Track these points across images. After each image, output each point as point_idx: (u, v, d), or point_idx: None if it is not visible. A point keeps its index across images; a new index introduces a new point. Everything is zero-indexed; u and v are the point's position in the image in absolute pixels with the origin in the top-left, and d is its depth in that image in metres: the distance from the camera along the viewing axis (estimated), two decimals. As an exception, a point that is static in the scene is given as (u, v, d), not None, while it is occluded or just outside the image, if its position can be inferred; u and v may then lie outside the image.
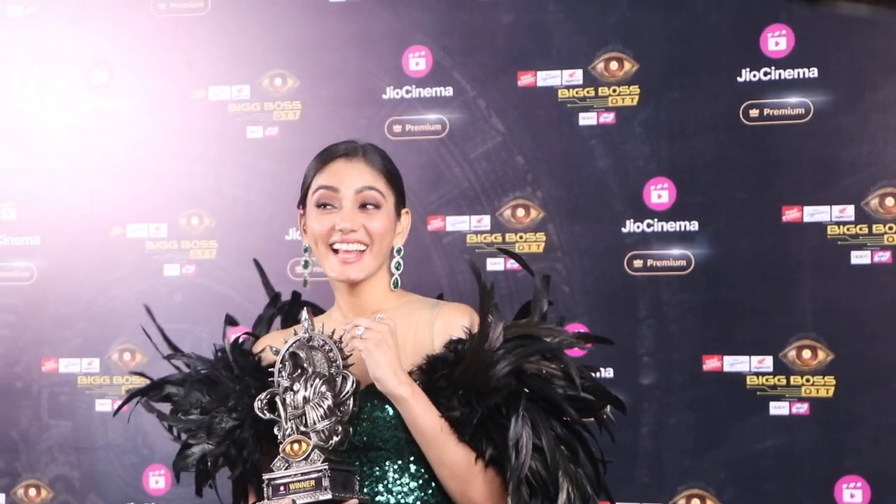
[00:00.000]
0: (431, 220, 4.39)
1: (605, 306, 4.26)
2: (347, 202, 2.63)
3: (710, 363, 4.17)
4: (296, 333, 2.55)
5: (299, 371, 2.52)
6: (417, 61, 4.45)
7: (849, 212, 4.10)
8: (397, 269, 2.69)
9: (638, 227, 4.25)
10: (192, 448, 2.68)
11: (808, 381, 4.11)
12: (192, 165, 4.59)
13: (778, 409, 4.12)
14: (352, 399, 2.49)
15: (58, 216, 4.65)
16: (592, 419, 2.61)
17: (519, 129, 4.36)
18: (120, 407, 2.87)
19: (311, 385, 2.49)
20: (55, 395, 4.68)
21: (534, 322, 2.65)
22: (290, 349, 2.52)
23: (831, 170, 4.13)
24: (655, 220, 4.24)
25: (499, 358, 2.54)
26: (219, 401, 2.66)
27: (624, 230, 4.26)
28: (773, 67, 4.18)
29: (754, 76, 4.19)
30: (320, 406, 2.48)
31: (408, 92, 4.45)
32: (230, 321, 2.89)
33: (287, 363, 2.52)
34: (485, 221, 4.37)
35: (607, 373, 4.21)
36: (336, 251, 2.63)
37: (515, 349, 2.56)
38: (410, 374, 2.56)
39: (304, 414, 2.48)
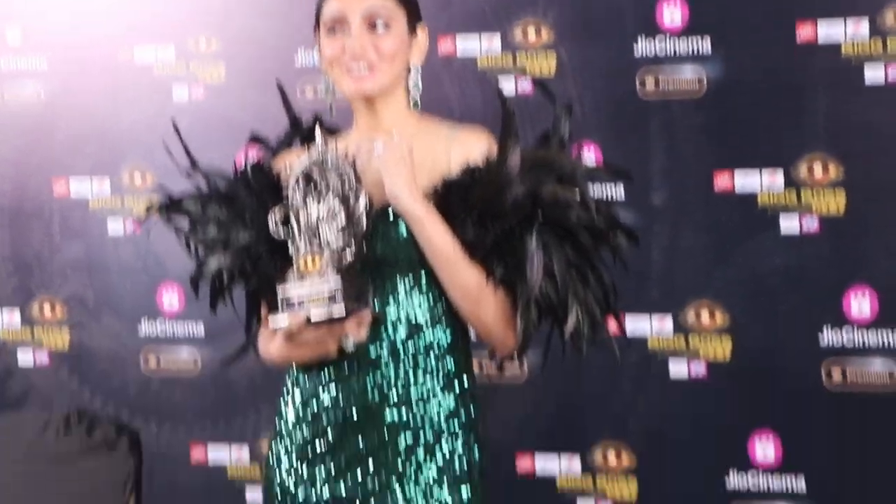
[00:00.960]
0: (441, 41, 4.31)
1: (616, 126, 4.21)
2: (356, 24, 2.58)
3: (721, 180, 4.12)
4: (309, 151, 2.50)
5: (313, 187, 2.48)
6: None
7: (863, 29, 4.02)
8: (415, 87, 2.64)
9: (650, 47, 4.18)
10: (208, 262, 2.65)
11: (818, 194, 4.07)
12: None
13: (789, 225, 4.09)
14: (365, 217, 2.46)
15: (65, 39, 4.59)
16: (605, 246, 2.58)
17: (529, -53, 4.28)
18: (142, 221, 2.85)
19: (325, 202, 2.46)
20: (67, 217, 4.66)
21: (552, 150, 2.61)
22: (304, 168, 2.49)
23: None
24: (667, 36, 4.17)
25: (515, 182, 2.51)
26: (236, 215, 2.63)
27: (636, 49, 4.18)
28: None
29: None
30: (334, 223, 2.45)
31: None
32: (254, 139, 2.85)
33: (300, 182, 2.49)
34: (495, 42, 4.30)
35: (618, 192, 4.17)
36: (349, 71, 2.59)
37: (532, 174, 2.52)
38: (425, 195, 2.52)
39: (318, 230, 2.46)
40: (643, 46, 4.18)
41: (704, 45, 4.14)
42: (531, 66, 4.27)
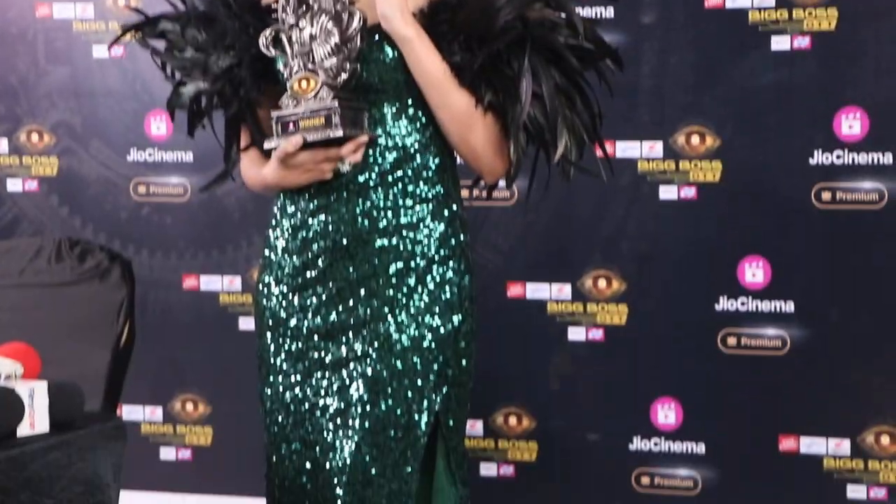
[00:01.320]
0: None
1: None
2: None
3: (714, -1, 4.08)
4: None
5: (304, 7, 2.42)
6: None
7: None
8: None
9: None
10: (185, 86, 2.60)
11: (810, 13, 4.01)
12: None
13: (779, 43, 4.04)
14: (358, 36, 2.41)
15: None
16: (591, 68, 2.54)
17: None
18: (114, 42, 2.79)
19: (318, 22, 2.40)
20: (51, 41, 4.59)
21: None
22: None
23: None
24: None
25: (502, 4, 2.46)
26: (215, 38, 2.57)
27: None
28: None
29: None
30: (327, 43, 2.40)
31: None
32: None
33: (292, 1, 2.43)
34: None
35: (608, 12, 4.12)
36: None
37: None
38: (413, 16, 2.47)
39: (311, 51, 2.40)
40: None
41: None
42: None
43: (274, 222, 2.59)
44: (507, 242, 4.25)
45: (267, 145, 2.44)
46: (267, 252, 2.60)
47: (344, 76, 2.40)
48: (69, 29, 4.56)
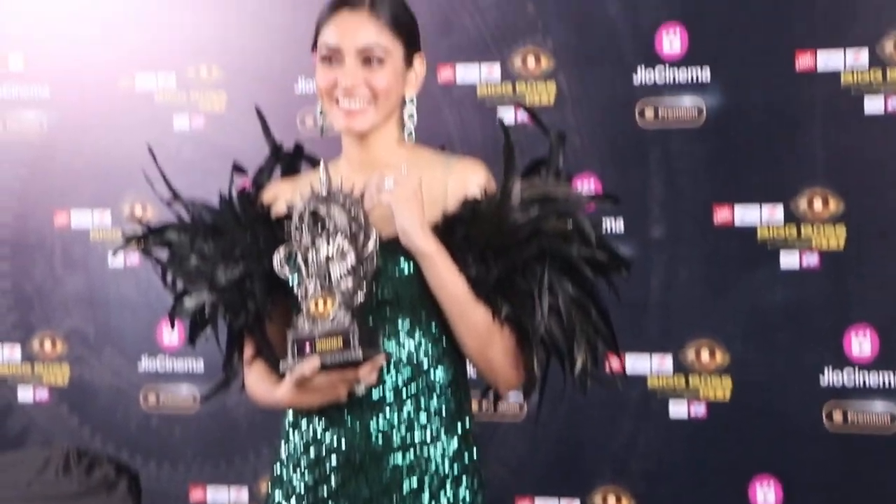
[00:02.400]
0: (441, 69, 4.24)
1: (615, 157, 4.15)
2: (350, 58, 2.48)
3: (721, 215, 4.06)
4: (313, 188, 2.42)
5: (320, 227, 2.39)
6: None
7: (863, 57, 3.95)
8: (410, 119, 2.55)
9: (649, 76, 4.11)
10: (189, 296, 2.56)
11: (819, 231, 4.01)
12: (199, 14, 4.45)
13: (788, 260, 4.03)
14: (375, 256, 2.37)
15: (66, 66, 4.53)
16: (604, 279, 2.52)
17: (529, -25, 4.21)
18: (117, 250, 2.76)
19: (334, 242, 2.37)
20: (68, 250, 4.59)
21: (550, 181, 2.53)
22: (311, 205, 2.39)
23: (846, 13, 3.97)
24: (667, 66, 4.10)
25: (517, 218, 2.44)
26: (224, 250, 2.54)
27: (635, 79, 4.12)
28: None
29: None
30: (343, 263, 2.35)
31: (418, -63, 4.28)
32: (237, 169, 2.78)
33: (307, 219, 2.39)
34: (495, 71, 4.23)
35: (618, 225, 4.12)
36: (341, 104, 2.50)
37: (533, 209, 2.45)
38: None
39: (328, 272, 2.36)
40: (642, 76, 4.11)
41: (703, 74, 4.07)
42: (530, 94, 4.21)
43: (284, 436, 2.52)
44: (516, 456, 4.20)
45: (282, 367, 2.37)
46: (277, 467, 2.53)
47: (360, 297, 2.36)
48: (86, 238, 4.57)
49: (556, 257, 2.46)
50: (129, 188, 4.51)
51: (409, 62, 2.54)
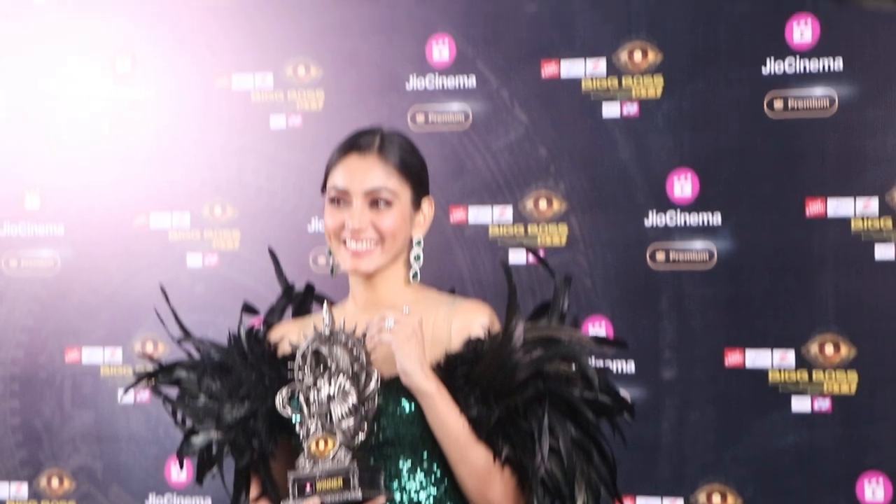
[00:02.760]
0: (454, 210, 4.25)
1: (626, 299, 4.13)
2: (357, 201, 2.50)
3: (732, 358, 4.03)
4: (315, 329, 2.42)
5: (322, 368, 2.39)
6: (441, 50, 4.30)
7: (873, 205, 3.95)
8: (416, 260, 2.57)
9: (661, 220, 4.11)
10: (197, 435, 2.56)
11: (830, 376, 3.97)
12: (214, 155, 4.47)
13: (800, 405, 3.98)
14: (376, 396, 2.37)
15: (81, 205, 4.54)
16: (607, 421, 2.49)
17: (542, 120, 4.22)
18: (128, 388, 2.75)
19: (335, 382, 2.37)
20: (78, 386, 4.56)
21: (553, 324, 2.53)
22: (313, 345, 2.39)
23: (856, 162, 3.98)
24: (678, 211, 4.10)
25: (519, 359, 2.43)
26: (230, 388, 2.54)
27: (647, 223, 4.12)
28: (797, 58, 4.02)
29: (779, 67, 4.03)
30: (345, 403, 2.36)
31: (431, 81, 4.31)
32: (248, 308, 2.77)
33: (309, 359, 2.39)
34: (507, 213, 4.23)
35: (629, 367, 4.09)
36: (348, 245, 2.52)
37: (536, 351, 2.45)
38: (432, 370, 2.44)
39: (329, 412, 2.36)
40: (654, 219, 4.11)
41: (714, 218, 4.07)
42: (542, 236, 4.20)
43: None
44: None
45: None
46: None
47: (361, 437, 2.35)
48: (97, 374, 4.54)
49: (558, 399, 2.44)
50: (141, 325, 4.50)
51: (416, 205, 2.56)
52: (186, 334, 2.66)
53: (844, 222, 3.96)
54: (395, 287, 2.56)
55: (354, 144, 2.55)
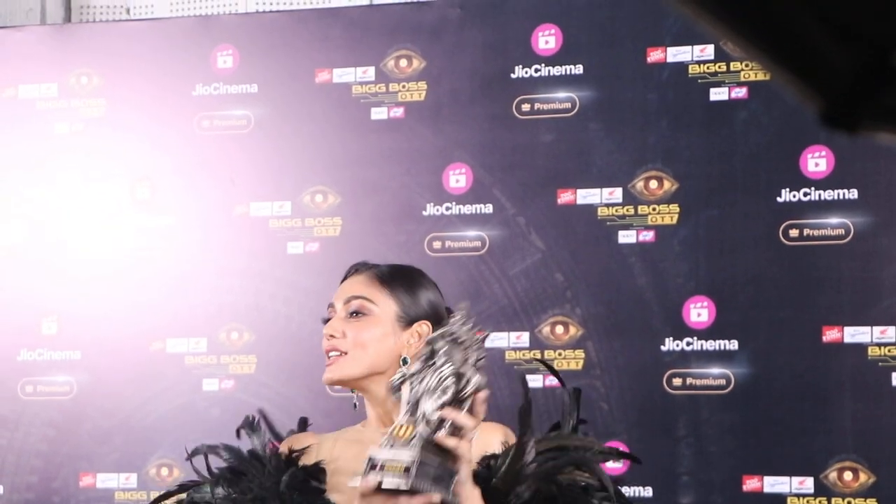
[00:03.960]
0: (470, 335, 4.22)
1: (644, 424, 4.08)
2: (339, 311, 2.51)
3: (751, 483, 3.97)
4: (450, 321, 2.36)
5: (433, 360, 2.33)
6: (458, 178, 4.30)
7: (889, 333, 3.93)
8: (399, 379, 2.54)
9: (677, 346, 4.08)
10: None
11: (849, 503, 3.91)
12: (232, 280, 4.44)
13: (820, 530, 3.93)
14: (470, 400, 2.30)
15: (98, 331, 4.49)
16: None
17: (558, 247, 4.21)
18: None
19: (438, 375, 2.31)
20: (91, 509, 4.49)
21: (564, 434, 2.49)
22: (432, 337, 2.35)
23: (872, 290, 3.97)
24: (695, 338, 4.07)
25: (532, 470, 2.39)
26: (241, 492, 2.48)
27: (663, 348, 4.09)
28: (812, 188, 4.03)
29: (794, 196, 4.03)
30: (440, 398, 2.30)
31: (448, 209, 4.30)
32: (249, 424, 2.72)
33: (425, 349, 2.34)
34: (524, 338, 4.20)
35: (646, 492, 4.02)
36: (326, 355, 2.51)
37: (548, 462, 2.41)
38: None
39: (420, 401, 2.31)
40: (670, 345, 4.09)
41: (731, 344, 4.05)
42: (559, 361, 4.16)
43: None
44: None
45: (350, 483, 2.34)
46: None
47: (443, 433, 2.29)
48: (111, 499, 4.39)
49: None
50: (156, 450, 4.42)
51: (407, 324, 2.53)
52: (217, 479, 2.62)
53: (861, 349, 3.93)
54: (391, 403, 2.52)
55: (355, 267, 2.58)
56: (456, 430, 2.30)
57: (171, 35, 4.54)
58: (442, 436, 2.30)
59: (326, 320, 2.53)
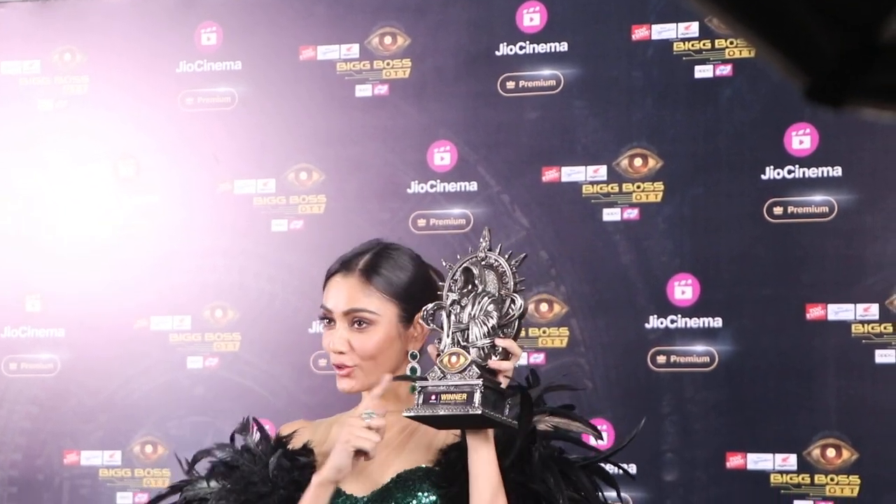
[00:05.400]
0: (455, 314, 4.22)
1: (628, 402, 4.08)
2: (339, 321, 2.49)
3: (734, 460, 3.98)
4: (472, 249, 2.40)
5: (470, 287, 2.36)
6: (442, 156, 4.29)
7: (873, 310, 3.93)
8: (412, 373, 2.51)
9: (662, 323, 4.07)
10: None
11: (832, 480, 3.92)
12: (216, 258, 4.42)
13: (803, 506, 3.93)
14: (517, 322, 2.34)
15: (82, 309, 4.47)
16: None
17: (543, 224, 4.19)
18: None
19: (479, 302, 2.34)
20: (76, 488, 4.44)
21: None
22: (465, 264, 2.39)
23: (856, 268, 3.98)
24: (679, 316, 4.07)
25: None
26: (234, 482, 2.49)
27: (647, 326, 4.08)
28: (796, 165, 4.03)
29: (778, 174, 4.03)
30: (485, 324, 2.32)
31: (432, 186, 4.29)
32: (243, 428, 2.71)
33: (459, 277, 2.37)
34: (508, 315, 4.20)
35: (630, 469, 4.02)
36: (338, 366, 2.51)
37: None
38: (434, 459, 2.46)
39: (468, 329, 2.32)
40: (655, 323, 4.09)
41: (715, 322, 4.05)
42: (543, 339, 4.16)
43: None
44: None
45: (405, 414, 2.35)
46: None
47: (495, 358, 2.32)
48: (95, 476, 4.43)
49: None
50: (140, 427, 4.42)
51: (408, 320, 2.52)
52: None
53: (845, 326, 3.93)
54: (398, 398, 2.53)
55: (341, 265, 2.54)
56: (505, 355, 2.32)
57: (154, 12, 4.51)
58: (495, 362, 2.30)
59: (322, 318, 2.52)
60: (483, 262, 2.38)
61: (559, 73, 4.19)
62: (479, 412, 2.27)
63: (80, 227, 4.49)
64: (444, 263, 2.46)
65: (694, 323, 4.03)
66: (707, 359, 4.01)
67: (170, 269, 4.41)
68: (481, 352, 2.32)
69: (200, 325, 4.39)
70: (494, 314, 2.33)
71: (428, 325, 2.40)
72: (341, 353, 2.47)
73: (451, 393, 2.30)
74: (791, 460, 3.92)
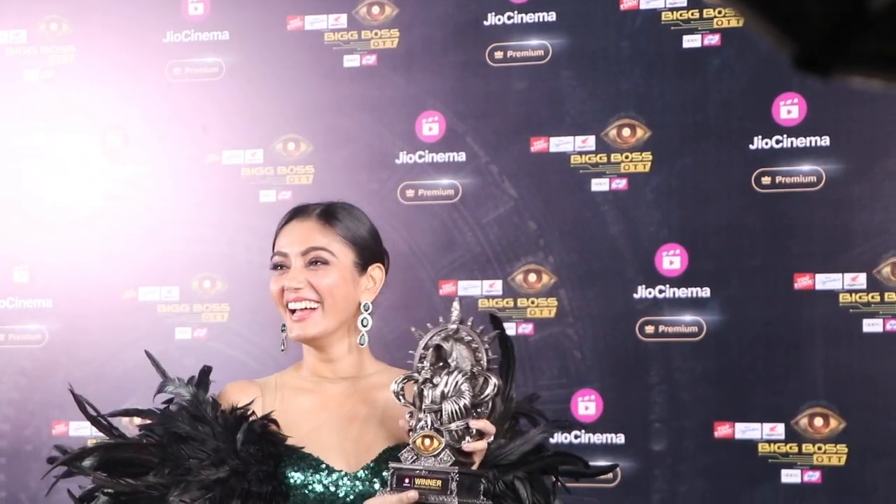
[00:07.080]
0: (443, 284, 4.20)
1: (616, 372, 4.08)
2: (296, 262, 2.49)
3: (722, 430, 3.98)
4: (441, 322, 2.34)
5: (442, 364, 2.32)
6: (430, 126, 4.28)
7: (861, 280, 3.93)
8: (364, 326, 2.50)
9: (650, 293, 4.07)
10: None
11: (819, 449, 3.92)
12: (204, 229, 4.41)
13: (790, 476, 3.94)
14: (491, 402, 2.32)
15: (70, 280, 4.45)
16: None
17: (531, 195, 4.19)
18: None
19: (452, 380, 2.30)
20: (65, 458, 4.46)
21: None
22: (436, 340, 2.33)
23: (843, 238, 3.98)
24: (667, 286, 4.07)
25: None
26: (188, 458, 2.45)
27: (636, 296, 4.08)
28: (785, 135, 4.02)
29: (766, 143, 4.02)
30: (457, 403, 2.29)
31: (420, 157, 4.28)
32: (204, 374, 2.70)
33: (430, 353, 2.32)
34: (497, 286, 4.19)
35: (618, 439, 4.03)
36: (292, 311, 2.47)
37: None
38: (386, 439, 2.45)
39: (440, 410, 2.29)
40: (643, 293, 4.09)
41: (703, 292, 4.05)
42: (532, 310, 4.16)
43: None
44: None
45: (379, 495, 2.32)
46: None
47: (468, 440, 2.30)
48: (83, 444, 4.44)
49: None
50: (128, 398, 4.40)
51: (362, 268, 2.51)
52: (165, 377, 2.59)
53: (833, 296, 3.94)
54: (348, 352, 2.51)
55: (296, 211, 2.55)
56: (479, 435, 2.30)
57: (141, -19, 4.49)
58: (469, 444, 2.29)
59: (275, 267, 2.50)
60: (454, 336, 2.34)
61: (547, 44, 4.18)
62: (455, 501, 2.25)
63: (68, 197, 4.47)
64: (413, 330, 2.37)
65: (682, 293, 4.02)
66: (695, 329, 4.01)
67: (158, 239, 4.39)
68: (455, 434, 2.29)
69: (189, 296, 4.38)
70: (467, 393, 2.29)
71: (399, 400, 2.34)
72: (298, 288, 2.44)
73: (425, 478, 2.27)
74: (779, 429, 3.92)
